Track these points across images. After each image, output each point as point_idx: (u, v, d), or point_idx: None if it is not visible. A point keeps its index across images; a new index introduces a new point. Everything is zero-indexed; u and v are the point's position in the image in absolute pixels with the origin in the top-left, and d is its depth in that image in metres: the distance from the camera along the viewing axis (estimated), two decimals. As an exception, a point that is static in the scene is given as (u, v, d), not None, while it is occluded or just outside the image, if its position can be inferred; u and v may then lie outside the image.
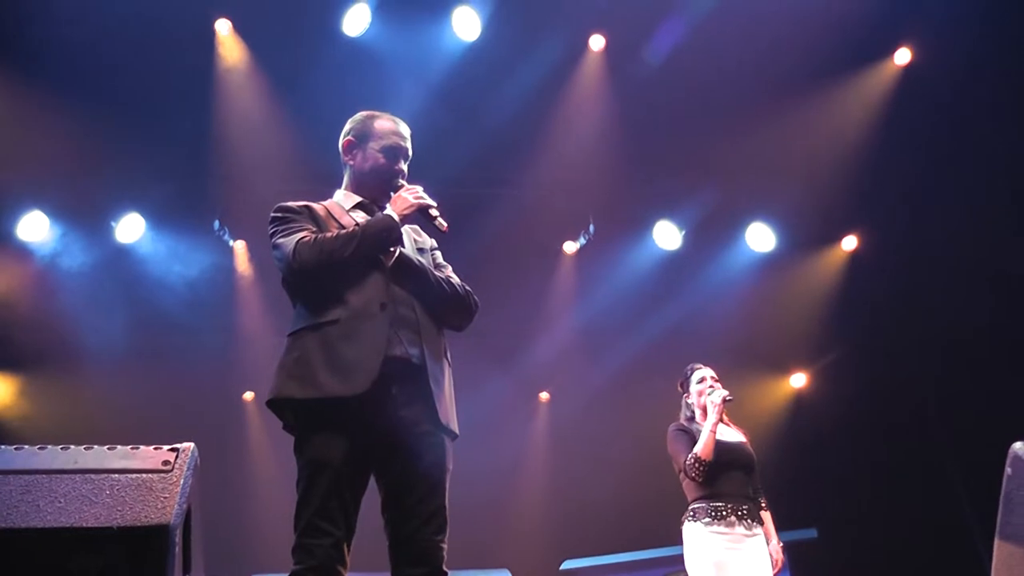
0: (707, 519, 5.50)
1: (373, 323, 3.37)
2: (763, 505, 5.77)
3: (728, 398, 5.77)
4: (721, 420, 5.86)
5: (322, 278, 3.41)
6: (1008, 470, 2.56)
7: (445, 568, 3.33)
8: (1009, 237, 8.61)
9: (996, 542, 2.58)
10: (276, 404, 3.38)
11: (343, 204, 3.71)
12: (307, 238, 3.42)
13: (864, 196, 9.63)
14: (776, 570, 5.62)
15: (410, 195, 3.59)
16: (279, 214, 3.59)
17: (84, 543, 2.20)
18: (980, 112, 8.71)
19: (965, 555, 8.65)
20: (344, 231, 3.46)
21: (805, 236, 10.20)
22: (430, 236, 3.90)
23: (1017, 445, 2.55)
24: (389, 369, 3.33)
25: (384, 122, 3.78)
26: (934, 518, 9.20)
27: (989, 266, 8.92)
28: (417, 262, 3.62)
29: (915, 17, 8.74)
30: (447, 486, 3.42)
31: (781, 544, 5.76)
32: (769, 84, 8.95)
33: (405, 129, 3.80)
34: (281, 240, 3.48)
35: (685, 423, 5.91)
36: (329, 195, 3.82)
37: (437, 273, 3.69)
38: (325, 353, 3.32)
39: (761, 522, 5.64)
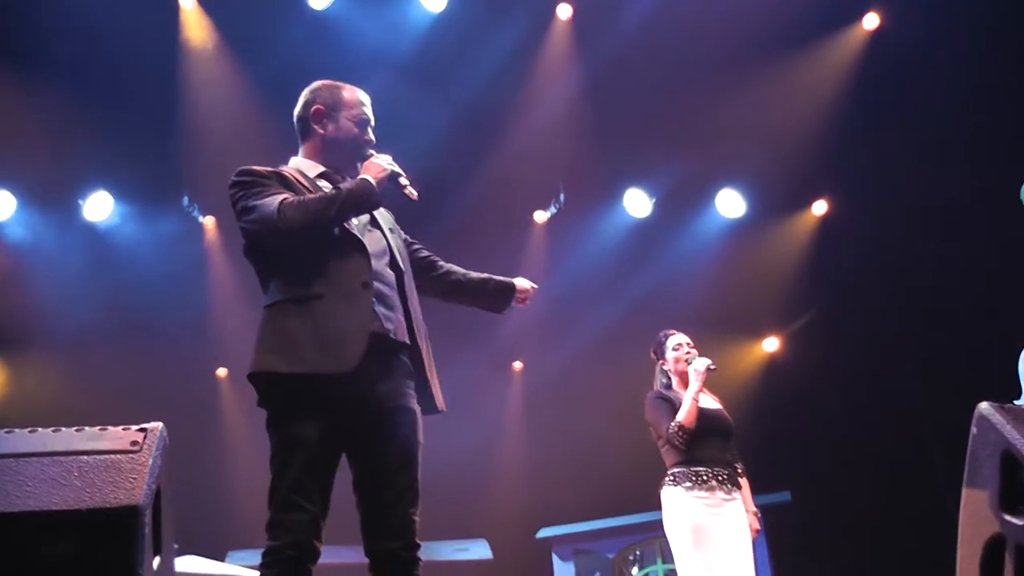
0: (688, 484, 5.52)
1: (358, 300, 3.37)
2: (740, 472, 5.80)
3: (712, 367, 5.78)
4: (701, 387, 5.91)
5: (305, 242, 3.37)
6: (974, 429, 2.60)
7: (418, 540, 3.35)
8: (978, 201, 8.65)
9: (963, 493, 2.64)
10: (257, 377, 3.35)
11: (306, 172, 3.65)
12: (290, 199, 3.37)
13: (834, 161, 9.66)
14: (752, 538, 5.66)
15: (382, 161, 3.58)
16: (247, 178, 3.51)
17: (53, 527, 2.18)
18: (948, 76, 8.73)
19: (937, 516, 8.74)
20: (325, 193, 3.45)
21: (775, 201, 10.24)
22: (400, 206, 3.89)
23: (983, 406, 2.59)
24: (371, 346, 3.33)
25: (351, 92, 3.75)
26: (907, 480, 9.27)
27: (957, 229, 8.98)
28: (390, 238, 3.66)
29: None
30: (420, 460, 3.44)
31: (758, 513, 5.81)
32: (737, 50, 8.96)
33: (367, 99, 3.79)
34: (256, 203, 3.40)
35: (663, 390, 5.90)
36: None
37: (411, 247, 3.79)
38: (311, 328, 3.30)
39: (740, 487, 5.68)
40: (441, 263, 3.96)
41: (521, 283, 4.02)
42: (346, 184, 3.48)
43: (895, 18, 9.10)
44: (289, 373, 3.27)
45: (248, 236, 3.49)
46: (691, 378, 5.73)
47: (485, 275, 4.01)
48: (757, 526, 5.74)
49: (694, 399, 5.62)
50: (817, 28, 9.20)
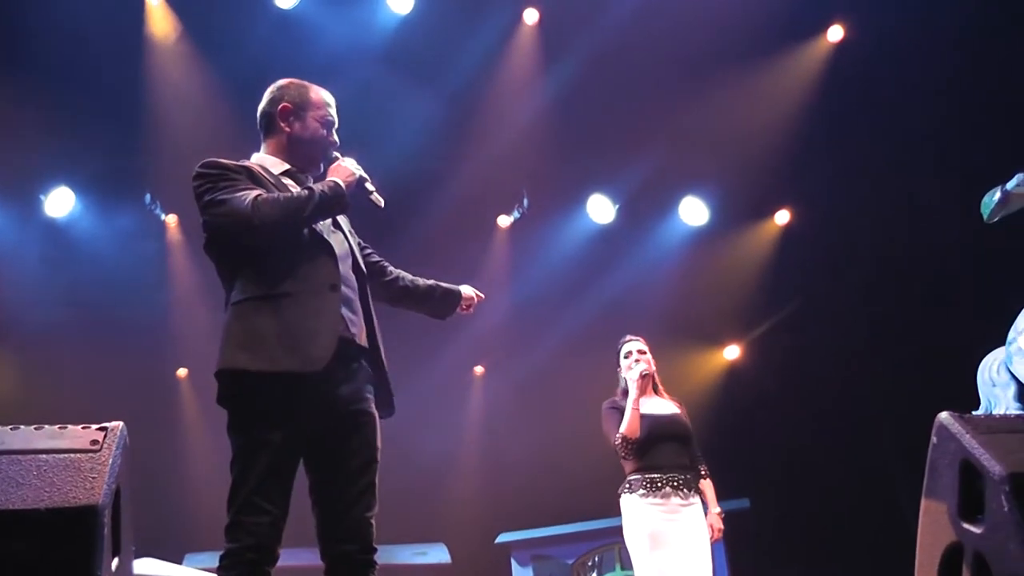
0: (642, 491, 5.54)
1: (327, 302, 3.37)
2: (704, 474, 5.83)
3: (644, 372, 5.80)
4: (655, 393, 5.92)
5: (278, 239, 3.34)
6: (934, 439, 2.63)
7: (375, 544, 3.35)
8: (941, 210, 8.73)
9: (922, 501, 2.66)
10: (224, 375, 3.30)
11: (270, 169, 3.60)
12: (265, 195, 3.32)
13: (797, 170, 9.71)
14: (714, 539, 5.69)
15: (350, 165, 3.58)
16: (214, 170, 3.43)
17: (11, 526, 2.15)
18: (912, 88, 8.82)
19: (897, 524, 8.80)
20: (299, 193, 3.41)
21: (738, 210, 10.28)
22: (364, 210, 3.89)
23: (942, 415, 2.61)
24: (338, 349, 3.33)
25: (318, 93, 3.73)
26: (867, 488, 9.34)
27: (921, 238, 9.07)
28: (351, 241, 3.66)
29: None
30: (378, 464, 3.44)
31: (721, 514, 5.83)
32: (703, 59, 8.99)
33: (333, 100, 3.77)
34: (226, 196, 3.33)
35: (619, 398, 5.91)
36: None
37: (362, 251, 3.78)
38: (281, 326, 3.27)
39: (699, 491, 5.70)
40: (391, 268, 3.96)
41: (466, 291, 4.08)
42: (318, 185, 3.45)
43: (859, 30, 9.18)
44: (257, 371, 3.23)
45: (214, 229, 3.43)
46: (629, 387, 5.76)
47: (432, 282, 4.04)
48: (720, 526, 5.77)
49: (634, 408, 5.65)
50: (782, 39, 9.26)
